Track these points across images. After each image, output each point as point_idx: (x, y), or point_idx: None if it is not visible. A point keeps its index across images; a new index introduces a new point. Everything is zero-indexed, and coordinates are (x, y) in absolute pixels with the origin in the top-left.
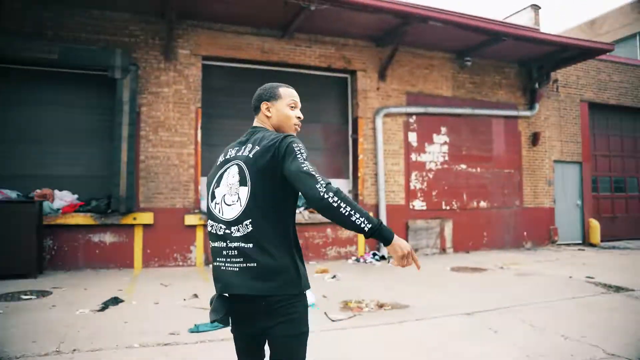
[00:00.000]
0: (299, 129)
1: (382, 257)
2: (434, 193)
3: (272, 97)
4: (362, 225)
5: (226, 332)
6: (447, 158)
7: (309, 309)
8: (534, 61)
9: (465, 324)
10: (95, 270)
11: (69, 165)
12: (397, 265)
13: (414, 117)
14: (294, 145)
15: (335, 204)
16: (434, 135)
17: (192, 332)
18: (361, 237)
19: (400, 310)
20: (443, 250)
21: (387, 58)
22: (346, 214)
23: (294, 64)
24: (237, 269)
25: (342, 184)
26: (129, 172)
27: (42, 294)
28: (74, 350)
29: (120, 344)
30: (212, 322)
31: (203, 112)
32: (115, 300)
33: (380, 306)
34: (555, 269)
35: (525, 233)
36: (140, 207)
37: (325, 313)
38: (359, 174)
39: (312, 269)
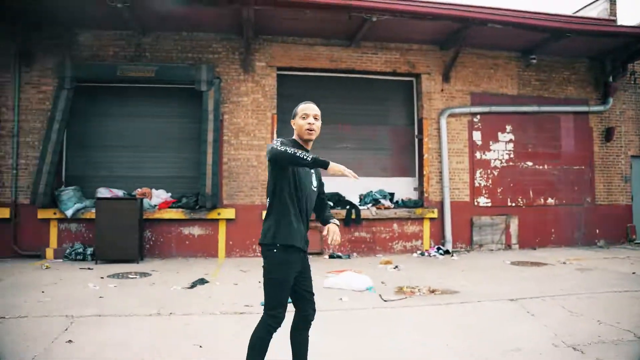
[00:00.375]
0: (312, 133)
1: (446, 252)
2: (499, 190)
3: (293, 115)
4: (305, 157)
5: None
6: (512, 155)
7: (367, 291)
8: (607, 54)
9: (506, 308)
10: (185, 258)
11: (164, 167)
12: (338, 171)
13: (479, 116)
14: (272, 142)
15: (282, 149)
16: (499, 134)
17: (263, 305)
18: (427, 232)
19: (449, 295)
20: (508, 246)
21: (450, 60)
22: (291, 152)
23: (361, 70)
24: None
25: (409, 182)
26: (214, 172)
27: (144, 274)
28: (170, 313)
29: (205, 311)
30: None
31: (278, 118)
32: (202, 281)
33: (432, 291)
34: (621, 265)
35: (597, 231)
36: (223, 204)
37: (380, 295)
38: (424, 173)
39: (377, 260)
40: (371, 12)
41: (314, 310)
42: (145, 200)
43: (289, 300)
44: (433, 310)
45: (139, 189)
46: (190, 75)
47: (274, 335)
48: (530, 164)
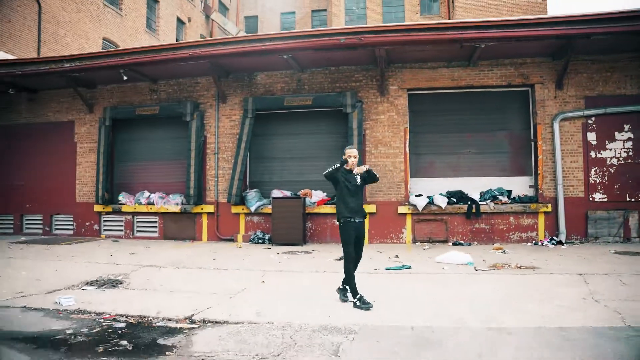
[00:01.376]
0: (351, 163)
1: (559, 242)
2: (616, 186)
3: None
4: (331, 169)
5: (404, 271)
6: (631, 153)
7: (467, 265)
8: None
9: (569, 278)
10: (336, 243)
11: (320, 172)
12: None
13: (593, 118)
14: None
15: (325, 172)
16: (616, 133)
17: (387, 269)
18: (541, 225)
19: (530, 269)
20: (627, 239)
21: (561, 70)
22: (327, 171)
23: (478, 86)
24: None
25: (525, 181)
26: None
27: (306, 252)
28: (324, 272)
29: (363, 270)
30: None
31: (410, 130)
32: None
33: (519, 267)
34: None
35: None
36: (366, 201)
37: (475, 267)
38: (539, 172)
39: (491, 247)
40: (479, 41)
41: (359, 260)
42: (307, 199)
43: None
44: (509, 277)
45: (302, 190)
46: (339, 101)
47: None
48: None
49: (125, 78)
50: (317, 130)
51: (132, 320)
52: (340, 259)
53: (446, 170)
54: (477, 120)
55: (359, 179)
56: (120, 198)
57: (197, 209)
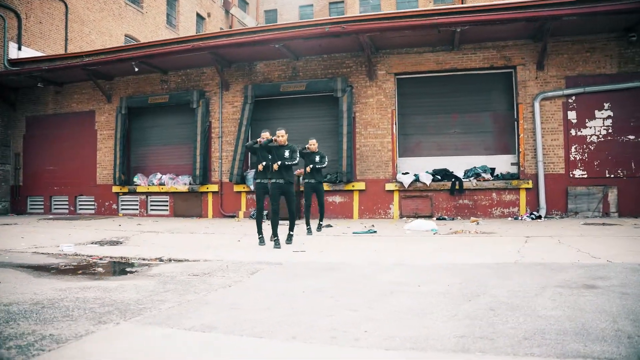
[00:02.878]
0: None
1: (539, 217)
2: (595, 163)
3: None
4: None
5: (369, 235)
6: (610, 130)
7: (431, 232)
8: None
9: (514, 240)
10: (331, 219)
11: None
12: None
13: (573, 97)
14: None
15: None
16: (596, 111)
17: (354, 233)
18: (523, 201)
19: (486, 234)
20: (606, 214)
21: (541, 51)
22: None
23: (462, 68)
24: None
25: (508, 159)
26: (349, 156)
27: (296, 225)
28: (297, 235)
29: (333, 234)
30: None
31: (398, 112)
32: (331, 227)
33: (477, 232)
34: None
35: None
36: (357, 179)
37: (435, 233)
38: (521, 150)
39: (468, 220)
40: (454, 25)
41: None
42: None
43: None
44: (458, 238)
45: (297, 170)
46: (330, 86)
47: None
48: (632, 137)
49: (136, 69)
50: (311, 114)
51: (114, 260)
52: (328, 227)
53: (433, 149)
54: (462, 101)
55: (287, 153)
56: (135, 179)
57: (203, 189)
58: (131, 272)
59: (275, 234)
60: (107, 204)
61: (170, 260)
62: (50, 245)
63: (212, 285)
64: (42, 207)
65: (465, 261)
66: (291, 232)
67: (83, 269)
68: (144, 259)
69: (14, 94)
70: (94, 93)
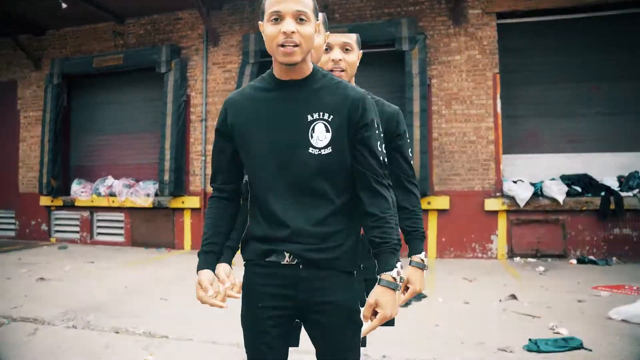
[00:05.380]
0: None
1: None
2: None
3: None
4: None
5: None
6: None
7: None
8: None
9: None
10: None
11: None
12: None
13: None
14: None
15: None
16: None
17: (529, 350)
18: None
19: None
20: None
21: None
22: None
23: (610, 5)
24: None
25: None
26: (422, 151)
27: None
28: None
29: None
30: None
31: (501, 79)
32: (418, 296)
33: None
34: None
35: None
36: (434, 190)
37: None
38: None
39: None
40: None
41: None
42: None
43: None
44: None
45: None
46: (388, 33)
47: None
48: None
49: (64, 5)
50: (359, 79)
51: None
52: (407, 304)
53: (558, 141)
54: (612, 63)
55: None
56: (74, 186)
57: (177, 203)
58: None
59: None
60: (33, 222)
61: None
62: None
63: None
64: None
65: None
66: None
67: None
68: None
69: None
70: (15, 55)
